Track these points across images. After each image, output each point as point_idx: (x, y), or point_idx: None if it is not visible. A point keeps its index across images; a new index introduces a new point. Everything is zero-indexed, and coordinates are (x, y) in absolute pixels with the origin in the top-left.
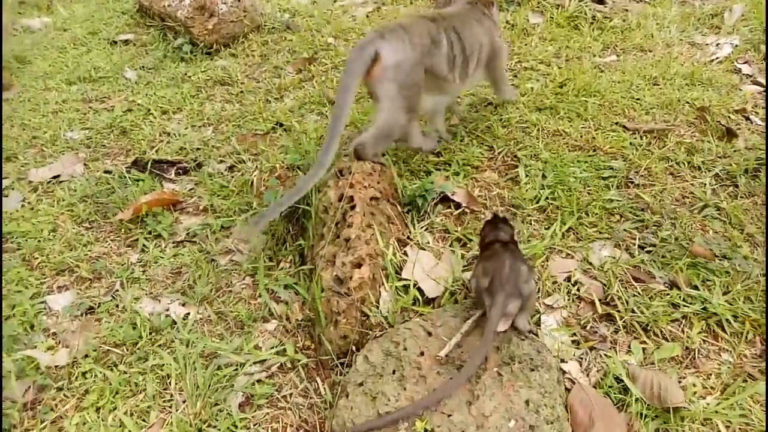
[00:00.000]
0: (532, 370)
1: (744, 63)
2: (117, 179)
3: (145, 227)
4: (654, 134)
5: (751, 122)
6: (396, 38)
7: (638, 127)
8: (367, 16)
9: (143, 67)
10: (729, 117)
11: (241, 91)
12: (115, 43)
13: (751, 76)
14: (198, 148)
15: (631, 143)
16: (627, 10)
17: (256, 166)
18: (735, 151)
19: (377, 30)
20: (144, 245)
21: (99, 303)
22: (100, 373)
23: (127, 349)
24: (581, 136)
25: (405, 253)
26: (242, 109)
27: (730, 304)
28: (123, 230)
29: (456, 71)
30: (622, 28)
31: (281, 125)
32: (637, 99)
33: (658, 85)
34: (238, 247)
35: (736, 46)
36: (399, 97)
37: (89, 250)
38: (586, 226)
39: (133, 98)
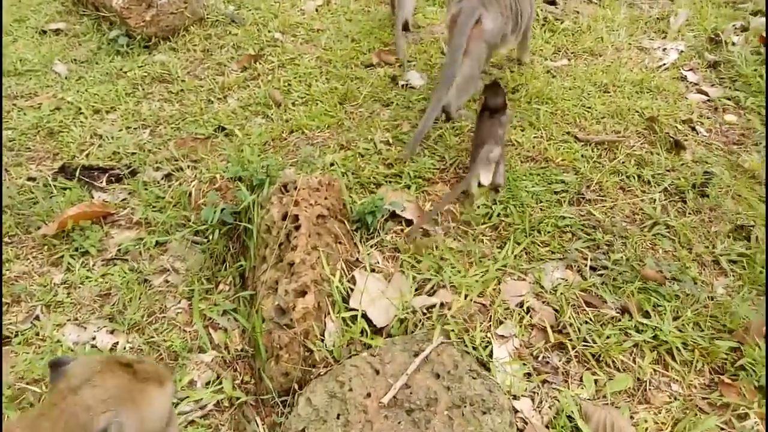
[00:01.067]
0: (484, 413)
1: (689, 70)
2: (41, 188)
3: (72, 243)
4: (605, 146)
5: (697, 133)
6: (493, 8)
7: (589, 138)
8: (317, 10)
9: (75, 60)
10: (677, 127)
11: (182, 90)
12: (45, 32)
13: (696, 84)
14: (133, 153)
15: (582, 155)
16: (578, 12)
17: (195, 175)
18: (682, 164)
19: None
20: (69, 264)
21: (16, 332)
22: (15, 416)
23: (47, 386)
24: (533, 147)
25: (353, 278)
26: (182, 110)
27: (680, 331)
28: (46, 246)
29: (515, 35)
30: (574, 30)
31: (223, 129)
32: (589, 107)
33: (609, 92)
34: (173, 266)
35: (682, 52)
36: (483, 55)
37: (7, 269)
38: (539, 245)
39: (62, 95)
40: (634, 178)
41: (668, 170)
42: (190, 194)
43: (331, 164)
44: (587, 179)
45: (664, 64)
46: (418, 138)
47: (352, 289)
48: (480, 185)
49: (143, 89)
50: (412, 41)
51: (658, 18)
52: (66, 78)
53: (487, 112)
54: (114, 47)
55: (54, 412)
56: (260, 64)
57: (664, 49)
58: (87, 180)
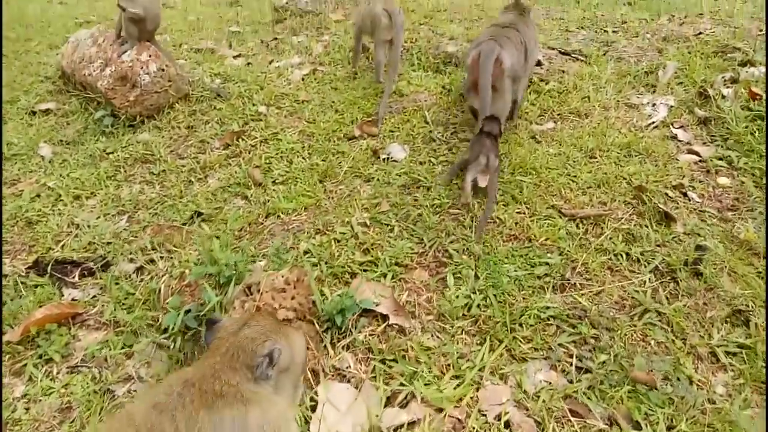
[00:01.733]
0: None
1: (679, 128)
2: (11, 286)
3: (36, 349)
4: (591, 220)
5: (689, 199)
6: (508, 46)
7: (575, 212)
8: (303, 80)
9: (61, 141)
10: (667, 194)
11: (163, 170)
12: (35, 113)
13: (687, 143)
14: (108, 243)
15: (567, 232)
16: (563, 72)
17: (167, 269)
18: (674, 237)
19: (492, 39)
20: (32, 373)
21: None
22: None
23: None
24: (516, 224)
25: (316, 394)
26: (162, 193)
27: None
28: (10, 354)
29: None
30: (559, 90)
31: (200, 215)
32: (574, 176)
33: (595, 158)
34: (138, 373)
35: (672, 107)
36: (509, 88)
37: None
38: (521, 341)
39: (44, 180)
40: (622, 256)
41: (658, 245)
42: (158, 291)
43: (306, 252)
44: (572, 260)
45: (654, 123)
46: (454, 170)
47: (315, 407)
48: (473, 187)
49: (125, 171)
50: (394, 110)
51: (646, 72)
52: (50, 161)
53: (484, 134)
54: (100, 127)
55: (221, 349)
56: (243, 140)
57: (654, 105)
58: (59, 276)
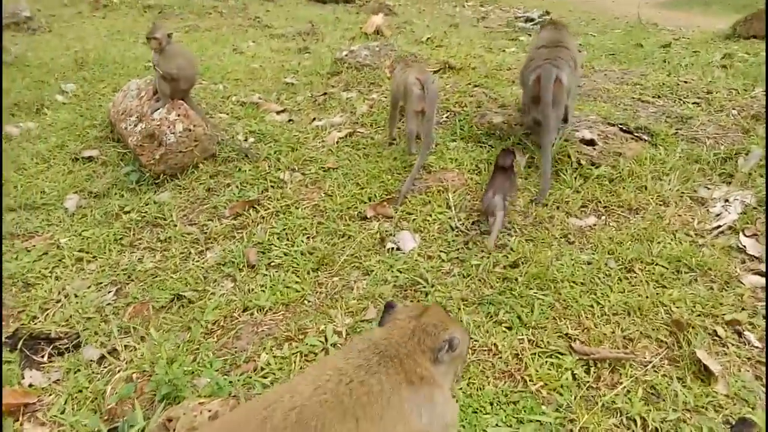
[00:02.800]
0: None
1: (751, 237)
2: None
3: None
4: (607, 364)
5: (745, 342)
6: (562, 66)
7: (588, 352)
8: (337, 142)
9: (90, 192)
10: (715, 332)
11: (169, 237)
12: (78, 159)
13: (756, 259)
14: (89, 318)
15: (574, 376)
16: (620, 154)
17: (126, 363)
18: (710, 401)
19: (548, 61)
20: None
21: None
22: None
23: None
24: (512, 357)
25: None
26: (159, 264)
27: None
28: None
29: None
30: (611, 177)
31: (181, 297)
32: (601, 297)
33: (634, 272)
34: None
35: (747, 206)
36: (565, 98)
37: None
38: None
39: (58, 237)
40: (635, 422)
41: (687, 410)
42: (104, 393)
43: (263, 368)
44: (571, 420)
45: (720, 227)
46: (545, 189)
47: None
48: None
49: (134, 234)
50: (417, 190)
51: (724, 157)
52: (72, 215)
53: (500, 169)
54: (126, 183)
55: (406, 328)
56: (255, 209)
57: (726, 201)
58: (28, 353)
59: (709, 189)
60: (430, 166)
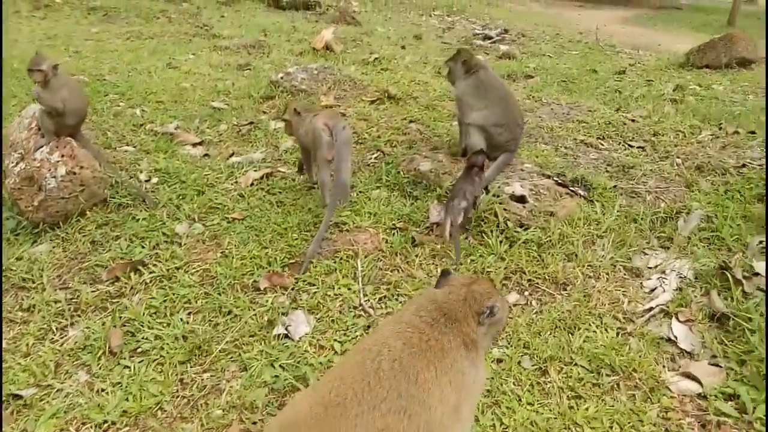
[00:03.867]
0: None
1: (685, 323)
2: None
3: None
4: None
5: None
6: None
7: None
8: (252, 184)
9: None
10: None
11: (32, 306)
12: None
13: (687, 356)
14: None
15: None
16: (551, 214)
17: None
18: None
19: None
20: None
21: None
22: None
23: None
24: None
25: None
26: (10, 344)
27: None
28: None
29: None
30: (540, 241)
31: (18, 397)
32: (504, 415)
33: (548, 374)
34: None
35: (684, 280)
36: None
37: None
38: None
39: None
40: None
41: None
42: None
43: None
44: None
45: (651, 309)
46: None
47: None
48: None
49: None
50: (324, 253)
51: (664, 217)
52: None
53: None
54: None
55: (460, 293)
56: (139, 273)
57: (662, 274)
58: None
59: (645, 256)
60: (343, 223)
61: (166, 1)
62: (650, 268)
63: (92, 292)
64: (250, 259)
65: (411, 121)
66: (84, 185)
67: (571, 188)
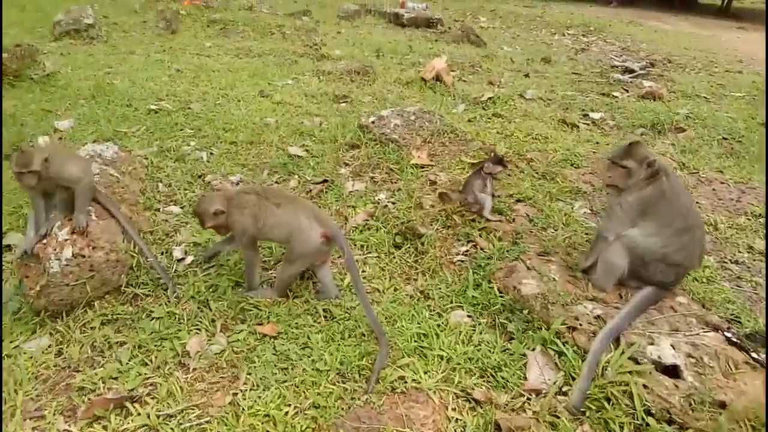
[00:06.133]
0: None
1: None
2: None
3: None
4: None
5: None
6: None
7: None
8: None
9: None
10: None
11: None
12: None
13: None
14: None
15: None
16: (723, 406)
17: None
18: None
19: None
20: None
21: None
22: None
23: None
24: None
25: None
26: None
27: None
28: None
29: None
30: None
31: None
32: None
33: None
34: None
35: None
36: None
37: None
38: None
39: None
40: None
41: None
42: None
43: None
44: None
45: None
46: None
47: None
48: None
49: None
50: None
51: None
52: None
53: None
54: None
55: None
56: (119, 415)
57: None
58: None
59: None
60: (400, 378)
61: (285, 15)
62: None
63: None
64: (263, 417)
65: (518, 200)
66: (94, 270)
67: (753, 353)
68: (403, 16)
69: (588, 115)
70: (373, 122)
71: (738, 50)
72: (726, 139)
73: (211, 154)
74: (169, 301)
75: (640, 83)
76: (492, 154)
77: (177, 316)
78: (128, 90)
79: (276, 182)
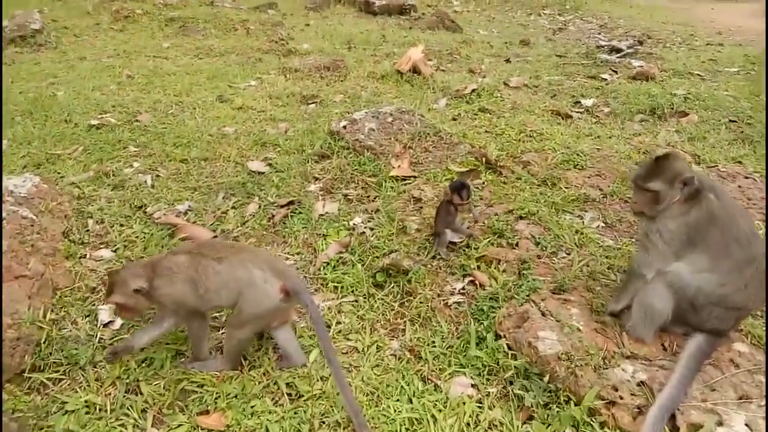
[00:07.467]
0: None
1: None
2: None
3: None
4: None
5: None
6: None
7: None
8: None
9: None
10: None
11: None
12: None
13: None
14: None
15: None
16: None
17: None
18: None
19: None
20: None
21: None
22: None
23: None
24: None
25: None
26: None
27: None
28: None
29: None
30: None
31: None
32: None
33: None
34: None
35: None
36: None
37: None
38: None
39: None
40: None
41: None
42: None
43: None
44: None
45: None
46: None
47: None
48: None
49: None
50: None
51: None
52: None
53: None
54: None
55: None
56: None
57: None
58: None
59: None
60: None
61: (250, 9)
62: None
63: None
64: None
65: (520, 217)
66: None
67: None
68: (374, 3)
69: (579, 102)
70: (344, 127)
71: (715, 22)
72: (734, 121)
73: (157, 176)
74: (89, 384)
75: (628, 63)
76: (453, 179)
77: (97, 406)
78: (70, 103)
79: (231, 208)
